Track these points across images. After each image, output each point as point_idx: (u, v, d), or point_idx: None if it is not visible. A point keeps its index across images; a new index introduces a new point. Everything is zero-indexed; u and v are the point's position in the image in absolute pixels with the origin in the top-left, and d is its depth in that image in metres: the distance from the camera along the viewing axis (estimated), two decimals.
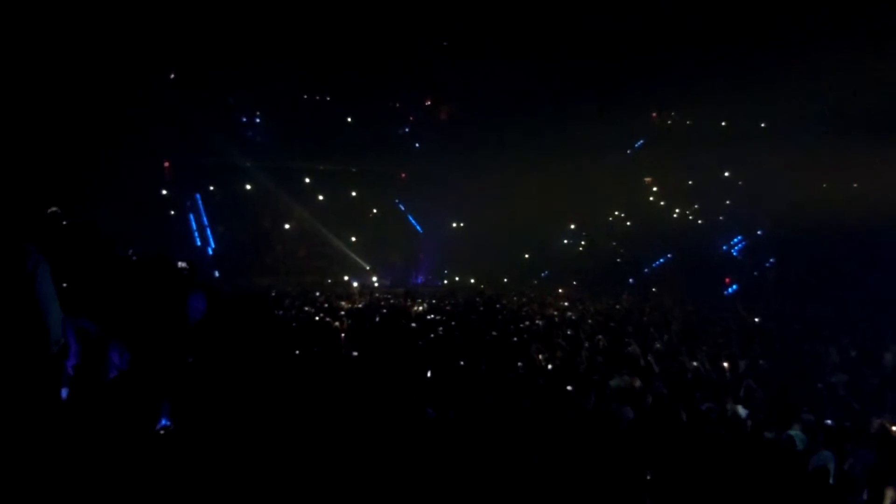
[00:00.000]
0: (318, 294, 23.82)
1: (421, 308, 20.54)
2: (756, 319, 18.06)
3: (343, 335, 13.03)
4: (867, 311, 18.28)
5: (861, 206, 24.29)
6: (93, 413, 4.40)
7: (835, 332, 14.94)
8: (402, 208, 39.27)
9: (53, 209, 6.00)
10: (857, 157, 25.50)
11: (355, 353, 10.81)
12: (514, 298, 24.39)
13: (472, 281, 33.04)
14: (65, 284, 4.16)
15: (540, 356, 11.47)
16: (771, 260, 30.19)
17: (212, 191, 34.91)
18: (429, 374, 9.03)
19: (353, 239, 34.67)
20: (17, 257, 3.25)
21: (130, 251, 7.73)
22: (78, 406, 4.47)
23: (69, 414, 4.38)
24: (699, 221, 35.59)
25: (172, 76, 31.37)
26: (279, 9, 28.08)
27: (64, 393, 4.70)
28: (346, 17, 29.43)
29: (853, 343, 13.56)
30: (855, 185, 27.83)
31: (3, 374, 3.12)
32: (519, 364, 10.42)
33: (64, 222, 6.01)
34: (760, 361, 11.95)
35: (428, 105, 40.04)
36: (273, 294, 21.70)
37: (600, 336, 13.51)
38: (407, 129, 39.66)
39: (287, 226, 35.46)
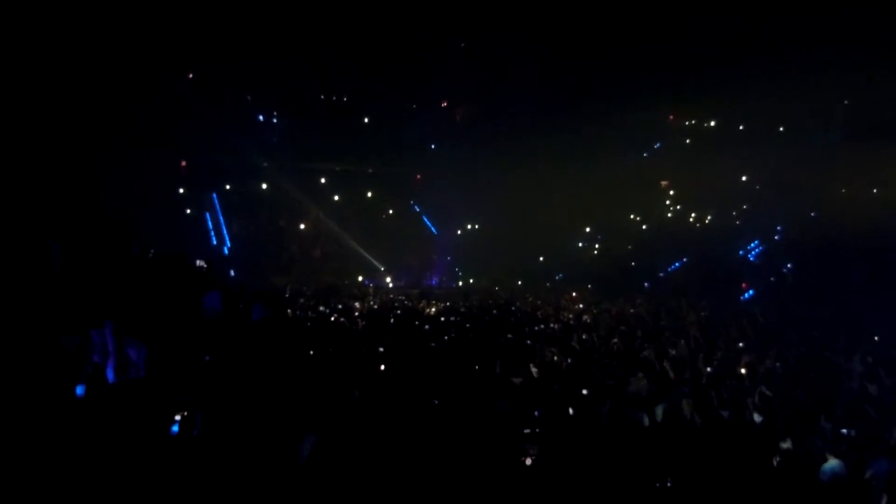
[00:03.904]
0: (332, 294, 23.88)
1: (435, 310, 20.54)
2: (773, 325, 17.86)
3: (357, 336, 13.05)
4: (886, 318, 18.03)
5: (881, 211, 24.02)
6: (108, 411, 4.42)
7: (854, 340, 14.75)
8: (417, 209, 39.29)
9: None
10: (876, 162, 25.25)
11: (381, 349, 10.81)
12: (530, 300, 24.32)
13: (487, 283, 32.99)
14: (83, 281, 4.18)
15: (555, 359, 11.41)
16: (788, 265, 29.86)
17: (228, 190, 35.13)
18: (441, 377, 9.00)
19: (368, 240, 34.69)
20: (37, 253, 3.25)
21: (152, 251, 7.76)
22: (94, 404, 4.49)
23: (84, 411, 4.40)
24: (716, 225, 35.30)
25: (191, 76, 31.57)
26: (296, 8, 28.18)
27: (81, 390, 4.72)
28: (362, 18, 29.48)
29: (872, 350, 13.38)
30: (875, 191, 27.55)
31: (13, 370, 3.12)
32: (533, 369, 10.37)
33: (87, 220, 6.06)
34: (777, 364, 11.84)
35: (444, 107, 40.04)
36: (287, 294, 21.78)
37: (615, 340, 13.43)
38: (423, 131, 39.67)
39: (302, 226, 35.61)
